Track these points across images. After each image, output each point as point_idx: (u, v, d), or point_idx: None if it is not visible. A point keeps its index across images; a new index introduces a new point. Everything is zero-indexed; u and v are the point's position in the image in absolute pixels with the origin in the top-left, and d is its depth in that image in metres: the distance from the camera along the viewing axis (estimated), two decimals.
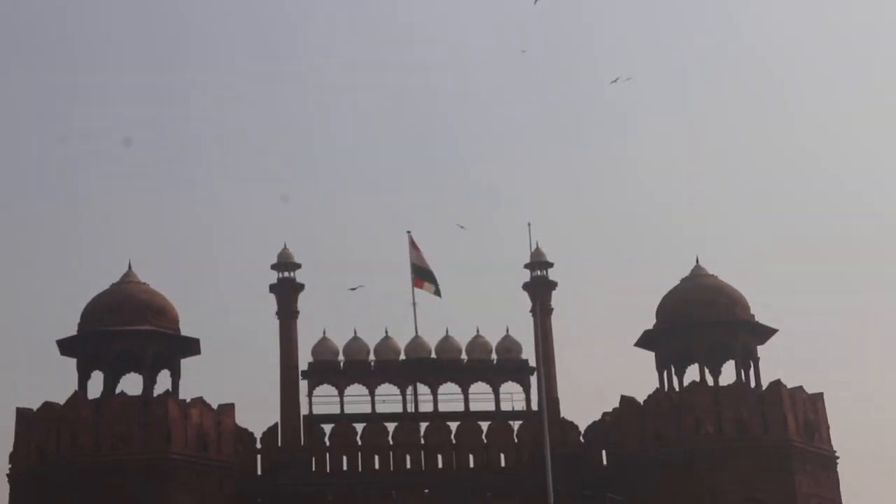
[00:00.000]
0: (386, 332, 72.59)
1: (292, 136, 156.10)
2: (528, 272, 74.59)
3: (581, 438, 71.19)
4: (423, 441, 69.53)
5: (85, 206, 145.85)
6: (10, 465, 65.01)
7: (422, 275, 69.98)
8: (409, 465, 68.33)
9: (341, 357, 70.71)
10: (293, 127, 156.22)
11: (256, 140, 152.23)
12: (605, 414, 72.52)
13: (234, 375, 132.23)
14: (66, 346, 67.24)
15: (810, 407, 68.30)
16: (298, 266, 72.64)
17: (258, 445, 68.58)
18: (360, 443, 68.95)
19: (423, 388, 70.88)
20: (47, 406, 64.77)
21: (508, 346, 72.10)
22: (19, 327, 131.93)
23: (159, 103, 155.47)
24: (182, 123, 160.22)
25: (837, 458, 69.34)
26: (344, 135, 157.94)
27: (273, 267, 72.53)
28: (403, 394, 70.62)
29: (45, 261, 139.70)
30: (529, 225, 69.30)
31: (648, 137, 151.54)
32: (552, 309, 73.93)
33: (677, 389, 70.69)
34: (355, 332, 72.03)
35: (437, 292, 71.37)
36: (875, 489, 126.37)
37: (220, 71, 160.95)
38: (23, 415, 65.60)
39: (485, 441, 69.58)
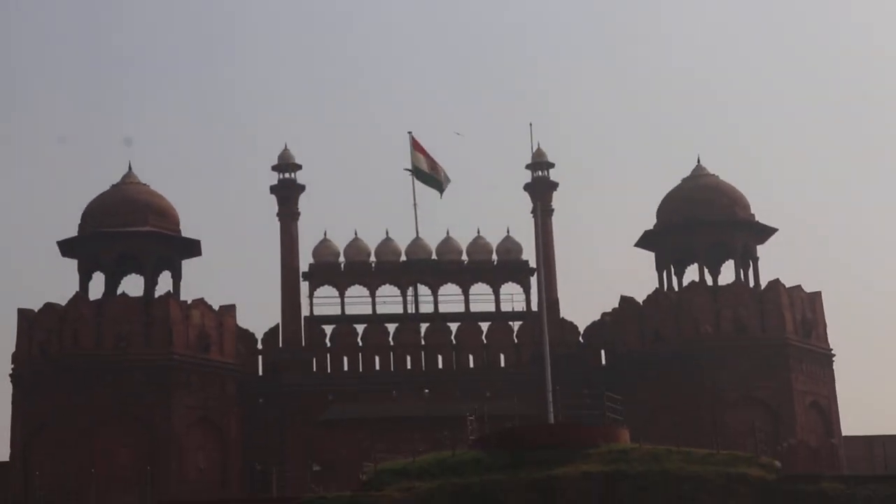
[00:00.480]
0: (387, 233, 72.61)
1: (292, 37, 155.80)
2: (529, 173, 74.50)
3: (580, 338, 72.07)
4: (423, 341, 70.03)
5: (86, 106, 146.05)
6: (12, 365, 65.38)
7: (423, 178, 69.85)
8: (409, 366, 68.91)
9: (342, 258, 71.26)
10: (292, 26, 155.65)
11: (257, 40, 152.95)
12: (604, 314, 73.22)
13: (235, 277, 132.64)
14: (66, 248, 67.57)
15: (808, 305, 69.25)
16: (299, 167, 72.60)
17: (259, 346, 69.14)
18: (360, 343, 69.52)
19: (423, 289, 71.46)
20: (49, 307, 65.13)
21: (509, 247, 72.46)
22: (20, 228, 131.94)
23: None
24: (183, 21, 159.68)
25: (834, 355, 70.15)
26: (345, 35, 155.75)
27: (274, 168, 72.45)
28: (404, 295, 71.14)
29: (46, 162, 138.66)
30: (531, 125, 67.16)
31: (649, 37, 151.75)
32: (553, 210, 74.20)
33: (676, 289, 71.37)
34: (356, 234, 72.21)
35: (440, 190, 70.97)
36: (871, 386, 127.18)
37: None
38: (25, 315, 65.95)
39: (485, 341, 70.09)
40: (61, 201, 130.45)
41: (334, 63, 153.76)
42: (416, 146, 69.87)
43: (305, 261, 71.28)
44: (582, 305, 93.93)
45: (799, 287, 68.74)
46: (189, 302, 65.40)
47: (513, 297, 71.45)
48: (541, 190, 73.04)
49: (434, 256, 71.92)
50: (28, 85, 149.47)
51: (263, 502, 44.87)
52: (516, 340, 69.39)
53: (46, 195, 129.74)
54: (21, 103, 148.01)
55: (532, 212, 70.79)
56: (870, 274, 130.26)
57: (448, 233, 73.09)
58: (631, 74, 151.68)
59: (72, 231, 66.80)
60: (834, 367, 69.83)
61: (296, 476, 57.21)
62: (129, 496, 52.24)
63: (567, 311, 72.35)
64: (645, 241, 73.12)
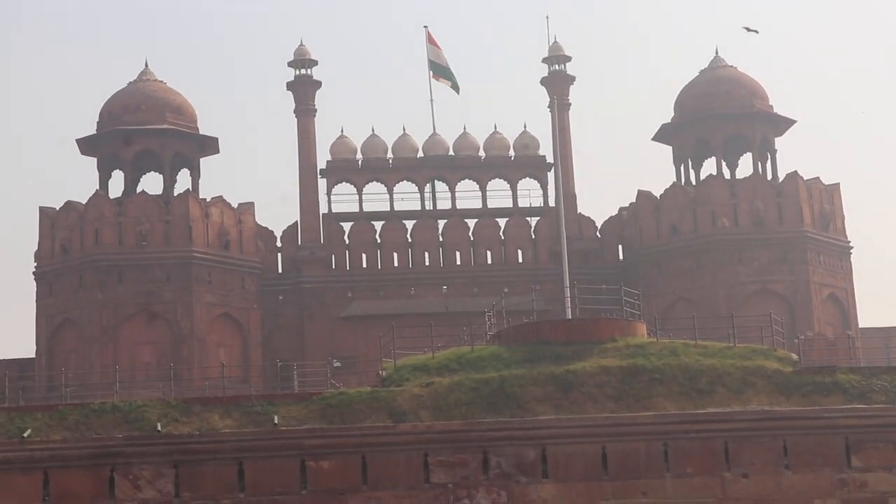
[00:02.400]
0: (404, 129, 73.18)
1: None
2: (546, 67, 75.01)
3: (598, 233, 73.13)
4: (441, 238, 71.27)
5: (103, 3, 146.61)
6: (35, 264, 66.43)
7: (439, 71, 70.22)
8: (427, 262, 69.86)
9: (359, 155, 72.16)
10: None
11: None
12: (621, 209, 74.18)
13: (253, 174, 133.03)
14: (86, 146, 68.39)
15: (826, 198, 70.03)
16: (315, 63, 73.06)
17: (279, 244, 70.36)
18: (379, 240, 70.53)
19: (441, 186, 72.47)
20: (70, 205, 66.35)
21: (526, 142, 73.21)
22: (40, 127, 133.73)
23: None
24: None
25: (852, 248, 71.29)
26: None
27: (290, 64, 72.90)
28: (421, 191, 72.27)
29: (65, 60, 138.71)
30: (547, 18, 70.12)
31: None
32: (570, 104, 74.50)
33: (694, 183, 72.17)
34: (373, 130, 72.92)
35: (455, 87, 71.31)
36: (888, 278, 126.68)
37: None
38: (46, 214, 66.93)
39: (502, 237, 71.17)
40: (80, 99, 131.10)
41: None
42: (431, 40, 70.58)
43: (323, 158, 71.71)
44: (599, 200, 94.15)
45: (817, 179, 69.54)
46: (208, 199, 66.20)
47: (530, 192, 72.33)
48: (558, 84, 73.15)
49: (451, 153, 72.76)
50: None
51: (284, 398, 45.25)
52: (534, 236, 70.58)
53: (65, 93, 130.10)
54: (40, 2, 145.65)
55: (549, 106, 70.19)
56: (889, 166, 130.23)
57: (465, 129, 73.88)
58: None
59: (91, 129, 67.20)
60: (852, 259, 70.68)
61: (316, 372, 57.67)
62: (152, 391, 51.66)
63: (584, 207, 73.08)
64: (662, 135, 73.87)
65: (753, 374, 42.03)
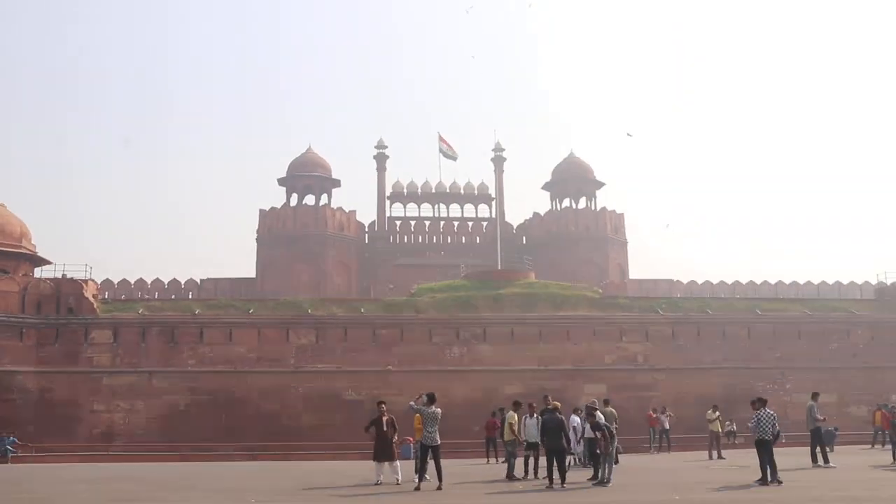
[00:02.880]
0: (426, 180, 67.90)
1: None
2: (493, 153, 68.50)
3: (513, 230, 67.99)
4: (442, 229, 66.84)
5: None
6: (256, 233, 63.85)
7: (445, 153, 60.97)
8: (435, 240, 66.01)
9: (405, 190, 67.20)
10: None
11: None
12: (525, 220, 69.12)
13: (356, 197, 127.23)
14: (282, 182, 64.76)
15: (616, 218, 66.09)
16: (386, 147, 67.99)
17: (366, 230, 66.17)
18: (412, 229, 66.30)
19: (443, 210, 67.51)
20: (273, 209, 63.65)
21: (482, 186, 67.83)
22: (259, 169, 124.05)
23: None
24: None
25: (627, 241, 66.81)
26: None
27: (375, 147, 68.13)
28: (435, 212, 67.05)
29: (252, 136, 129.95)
30: (495, 130, 66.94)
31: None
32: (504, 170, 68.47)
33: (559, 209, 68.01)
34: (412, 179, 68.08)
35: (453, 159, 61.41)
36: (643, 257, 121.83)
37: None
38: (263, 213, 63.52)
39: (471, 231, 66.49)
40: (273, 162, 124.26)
41: None
42: (442, 139, 61.49)
43: (388, 190, 67.90)
44: (518, 215, 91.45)
45: (613, 211, 66.62)
46: (334, 207, 63.26)
47: (485, 209, 67.33)
48: (498, 162, 68.29)
49: (448, 190, 67.10)
50: None
51: (368, 300, 45.96)
52: (485, 230, 65.45)
53: (260, 159, 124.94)
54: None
55: (494, 170, 67.68)
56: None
57: (454, 180, 68.28)
58: None
59: (282, 173, 65.62)
60: (627, 247, 67.49)
61: (384, 289, 58.07)
62: (307, 295, 50.09)
63: (510, 218, 67.18)
64: (547, 186, 69.23)
65: (582, 298, 43.35)
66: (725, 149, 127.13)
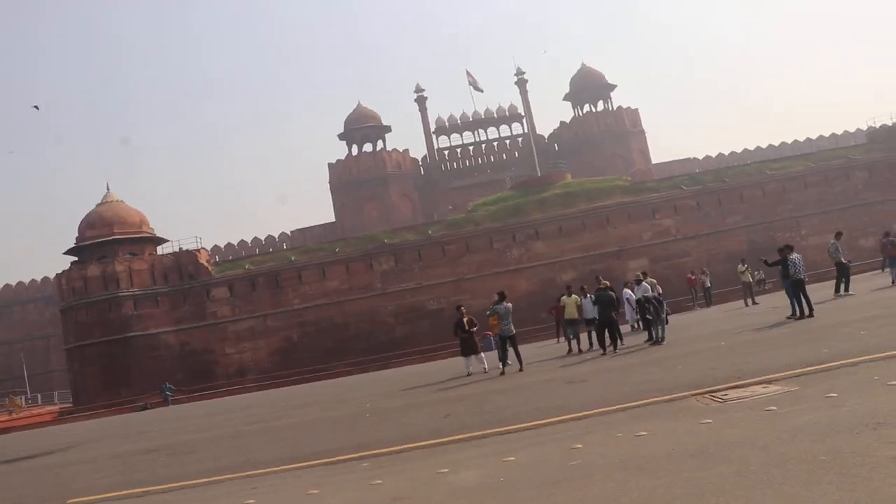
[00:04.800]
0: (463, 111, 66.38)
1: None
2: (515, 77, 66.91)
3: (545, 140, 66.61)
4: (483, 149, 65.89)
5: None
6: (329, 181, 63.77)
7: (473, 84, 60.82)
8: (480, 162, 65.02)
9: (447, 123, 66.01)
10: None
11: None
12: (554, 129, 68.17)
13: (408, 136, 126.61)
14: (344, 136, 64.43)
15: (633, 114, 64.66)
16: (424, 90, 66.68)
17: (420, 163, 65.34)
18: (459, 155, 65.46)
19: (482, 134, 66.24)
20: (340, 161, 63.38)
21: (512, 107, 66.32)
22: (323, 125, 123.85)
23: None
24: None
25: (646, 132, 65.05)
26: None
27: (415, 91, 66.99)
28: (476, 137, 65.85)
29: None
30: (514, 57, 64.79)
31: None
32: (528, 91, 67.19)
33: (581, 114, 66.40)
34: (451, 114, 67.09)
35: (479, 90, 61.04)
36: (664, 142, 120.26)
37: None
38: (332, 165, 63.29)
39: (508, 147, 65.35)
40: (334, 118, 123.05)
41: None
42: (470, 76, 61.09)
43: (432, 125, 66.56)
44: (547, 125, 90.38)
45: (629, 108, 64.88)
46: (389, 150, 63.16)
47: (519, 127, 66.48)
48: (522, 84, 67.00)
49: (483, 116, 66.29)
50: None
51: (433, 223, 46.00)
52: (520, 144, 64.21)
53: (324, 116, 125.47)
54: None
55: (520, 93, 66.77)
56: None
57: (487, 107, 66.92)
58: None
59: (339, 129, 64.89)
60: (646, 137, 65.83)
61: (443, 210, 58.21)
62: (379, 227, 50.46)
63: (540, 130, 66.44)
64: (569, 97, 67.63)
65: (615, 187, 42.79)
66: (719, 27, 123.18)
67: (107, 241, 41.57)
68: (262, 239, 60.24)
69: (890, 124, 44.59)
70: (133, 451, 12.61)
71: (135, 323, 38.95)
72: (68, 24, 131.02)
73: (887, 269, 24.74)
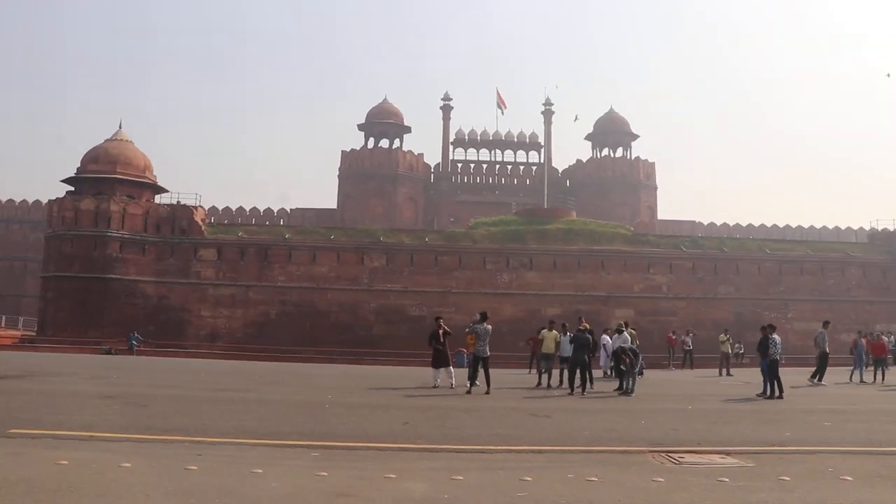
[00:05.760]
0: (485, 129, 66.46)
1: None
2: (543, 107, 66.94)
3: (559, 175, 66.64)
4: (497, 170, 65.56)
5: None
6: (337, 172, 63.74)
7: (500, 108, 61.12)
8: (491, 181, 64.81)
9: (466, 137, 65.84)
10: None
11: None
12: (570, 166, 67.59)
13: (425, 142, 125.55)
14: (363, 129, 63.82)
15: (648, 166, 64.63)
16: (451, 99, 67.28)
17: (432, 170, 65.13)
18: (472, 170, 65.16)
19: (497, 154, 65.99)
20: (352, 151, 63.33)
21: (533, 135, 66.57)
22: (339, 118, 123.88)
23: None
24: None
25: (657, 187, 64.93)
26: None
27: (442, 99, 67.14)
28: (492, 157, 65.73)
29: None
30: (545, 87, 65.05)
31: None
32: (553, 122, 67.03)
33: (599, 157, 66.49)
34: (472, 129, 66.67)
35: (502, 111, 61.99)
36: (671, 202, 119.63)
37: None
38: (344, 153, 62.71)
39: (521, 174, 65.10)
40: (350, 112, 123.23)
41: None
42: (499, 97, 61.54)
43: (452, 136, 66.14)
44: (563, 161, 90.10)
45: (646, 160, 64.85)
46: (405, 150, 62.58)
47: (535, 156, 66.52)
48: (548, 114, 66.91)
49: (503, 138, 66.05)
50: None
51: (431, 231, 46.09)
52: (533, 173, 63.96)
53: (336, 107, 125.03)
54: None
55: (544, 122, 67.30)
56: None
57: (510, 130, 67.39)
58: None
59: (359, 120, 64.53)
60: (657, 192, 66.04)
61: (446, 221, 58.18)
62: (377, 224, 51.31)
63: (557, 163, 65.97)
64: (590, 137, 67.60)
65: (616, 234, 42.84)
66: (747, 101, 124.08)
67: (107, 177, 41.35)
68: (261, 210, 60.14)
69: (892, 229, 45.08)
70: (89, 393, 12.56)
71: (117, 266, 38.76)
72: None
73: (866, 368, 24.90)
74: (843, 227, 60.76)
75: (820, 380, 19.00)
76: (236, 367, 23.99)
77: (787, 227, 61.35)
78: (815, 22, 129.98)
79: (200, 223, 40.52)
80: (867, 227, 51.26)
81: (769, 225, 61.51)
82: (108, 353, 32.02)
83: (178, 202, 41.46)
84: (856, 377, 21.18)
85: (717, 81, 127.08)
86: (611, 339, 19.50)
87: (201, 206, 42.45)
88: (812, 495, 5.84)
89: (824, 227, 61.01)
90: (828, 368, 19.65)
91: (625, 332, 17.08)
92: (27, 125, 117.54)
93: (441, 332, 16.28)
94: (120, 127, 44.54)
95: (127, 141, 43.76)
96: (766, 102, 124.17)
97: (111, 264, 38.73)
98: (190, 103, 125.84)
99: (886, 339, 24.42)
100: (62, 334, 37.22)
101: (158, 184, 43.70)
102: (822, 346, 19.29)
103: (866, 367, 27.17)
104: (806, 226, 61.46)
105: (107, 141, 43.53)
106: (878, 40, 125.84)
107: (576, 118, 67.45)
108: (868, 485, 6.35)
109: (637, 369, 16.58)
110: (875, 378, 20.91)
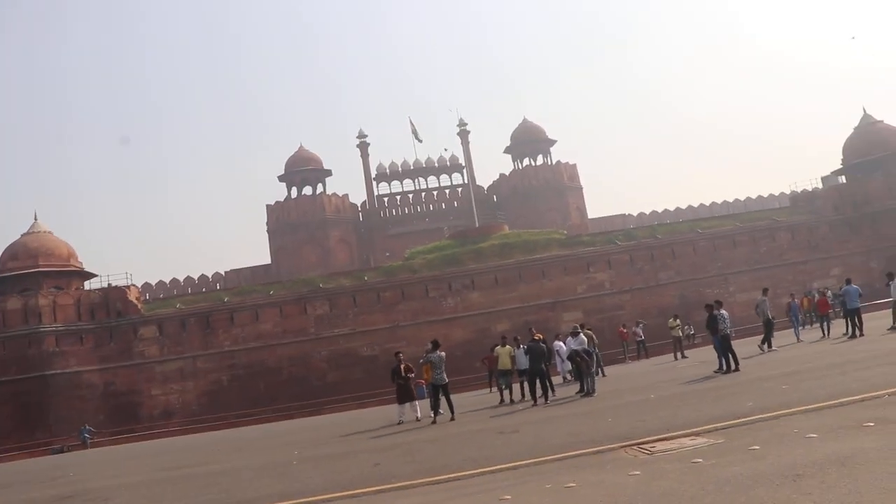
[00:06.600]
0: (404, 159, 66.99)
1: None
2: (457, 128, 67.31)
3: (485, 191, 67.10)
4: (423, 199, 65.69)
5: None
6: (266, 225, 62.93)
7: (414, 133, 61.84)
8: (419, 209, 64.77)
9: (387, 169, 65.87)
10: None
11: None
12: (493, 181, 68.70)
13: (347, 182, 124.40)
14: (284, 178, 63.63)
15: (571, 169, 65.20)
16: (367, 136, 67.33)
17: (359, 208, 64.77)
18: (399, 203, 65.33)
19: (422, 182, 66.05)
20: (278, 203, 62.55)
21: (452, 157, 66.97)
22: (270, 167, 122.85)
23: None
24: None
25: (582, 187, 65.48)
26: None
27: (357, 136, 67.59)
28: (416, 185, 65.70)
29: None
30: (456, 109, 65.66)
31: None
32: (469, 142, 67.73)
33: (521, 167, 66.89)
34: (392, 161, 66.89)
35: (418, 139, 62.94)
36: (597, 199, 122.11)
37: None
38: (270, 207, 62.39)
39: (447, 196, 65.38)
40: (275, 163, 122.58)
41: None
42: (412, 125, 63.03)
43: (373, 170, 65.89)
44: (486, 177, 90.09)
45: (567, 163, 65.54)
46: (329, 194, 62.14)
47: (459, 177, 66.75)
48: (464, 135, 67.50)
49: (423, 165, 65.75)
50: None
51: (368, 270, 45.86)
52: (460, 194, 63.84)
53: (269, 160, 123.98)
54: None
55: (461, 143, 67.70)
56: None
57: (428, 156, 67.32)
58: None
59: (279, 171, 64.09)
60: (583, 193, 66.77)
61: (380, 257, 57.89)
62: (315, 272, 51.40)
63: (480, 181, 66.55)
64: (509, 149, 67.63)
65: (551, 240, 43.29)
66: (654, 92, 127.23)
67: (30, 272, 40.12)
68: (196, 278, 58.84)
69: (811, 189, 46.81)
70: (43, 498, 12.00)
71: (56, 360, 37.41)
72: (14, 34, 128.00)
73: (812, 325, 25.58)
74: (766, 196, 62.56)
75: (770, 346, 19.45)
76: (195, 441, 23.35)
77: (714, 203, 62.74)
78: (704, 6, 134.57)
79: (136, 302, 39.50)
80: (787, 192, 53.17)
81: (696, 205, 62.82)
82: (61, 451, 30.78)
83: (110, 285, 40.40)
84: (798, 336, 21.81)
85: (621, 77, 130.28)
86: (565, 343, 19.61)
87: (134, 285, 41.44)
88: (783, 459, 5.94)
89: (749, 199, 62.60)
90: (775, 333, 20.14)
91: (580, 335, 17.18)
92: None
93: (402, 367, 16.25)
94: (35, 218, 43.36)
95: (46, 232, 42.56)
96: (671, 90, 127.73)
97: (49, 360, 37.36)
98: (106, 180, 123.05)
99: (828, 295, 25.16)
100: (7, 442, 35.57)
101: (86, 269, 42.52)
102: (766, 314, 19.79)
103: (807, 325, 28.06)
104: (731, 200, 63.00)
105: (24, 235, 42.26)
106: (762, 16, 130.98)
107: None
108: (833, 438, 6.50)
109: (594, 369, 16.71)
110: (824, 334, 21.54)
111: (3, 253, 41.41)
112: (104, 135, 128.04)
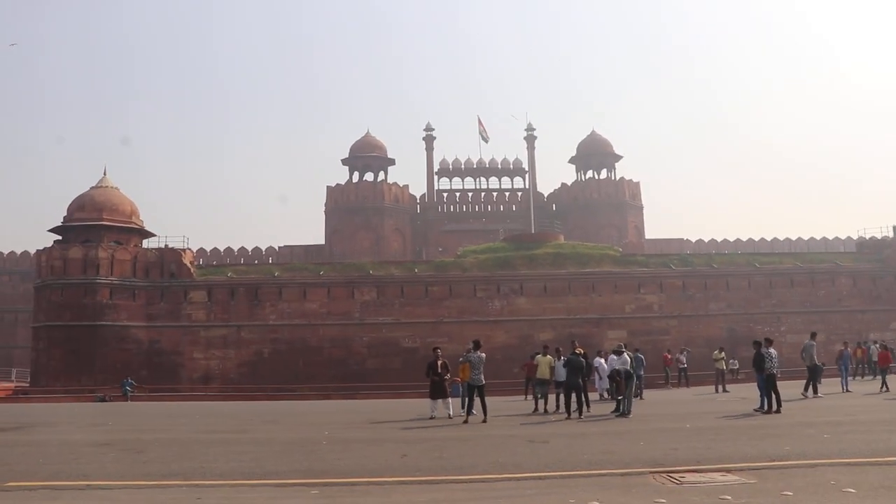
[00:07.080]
0: (468, 157, 66.79)
1: None
2: (525, 132, 67.35)
3: (545, 199, 66.80)
4: (482, 198, 65.69)
5: None
6: (324, 206, 63.60)
7: (482, 135, 61.64)
8: (477, 209, 64.79)
9: (450, 166, 66.13)
10: None
11: None
12: (555, 189, 68.45)
13: (409, 173, 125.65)
14: (346, 163, 64.08)
15: (634, 186, 64.67)
16: (434, 129, 67.70)
17: (418, 200, 64.95)
18: (458, 199, 65.39)
19: (482, 182, 66.18)
20: (339, 185, 63.50)
21: (517, 161, 67.27)
22: (329, 152, 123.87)
23: None
24: None
25: (643, 206, 64.54)
26: None
27: (424, 129, 67.29)
28: (477, 185, 65.70)
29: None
30: (526, 113, 65.58)
31: None
32: (535, 147, 67.53)
33: (583, 179, 66.49)
34: (456, 157, 67.01)
35: (485, 140, 62.06)
36: (658, 220, 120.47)
37: None
38: (330, 188, 62.92)
39: (507, 200, 65.17)
40: (336, 150, 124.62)
41: None
42: (480, 124, 61.84)
43: (436, 166, 66.10)
44: (549, 184, 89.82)
45: (630, 180, 64.78)
46: (390, 182, 62.55)
47: (521, 181, 67.22)
48: (531, 140, 66.83)
49: (487, 165, 66.04)
50: None
51: (420, 262, 46.05)
52: (519, 199, 63.84)
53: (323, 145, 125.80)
54: None
55: (527, 147, 67.29)
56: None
57: (493, 156, 66.88)
58: None
59: (343, 154, 64.77)
60: (643, 212, 65.65)
61: (434, 251, 58.07)
62: (368, 257, 51.39)
63: (542, 188, 66.09)
64: (573, 160, 67.68)
65: (605, 256, 42.88)
66: (728, 117, 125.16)
67: (94, 225, 41.27)
68: (250, 249, 59.92)
69: (879, 237, 45.39)
70: (84, 441, 12.40)
71: (108, 312, 38.53)
72: (75, 13, 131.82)
73: (863, 377, 24.90)
74: (830, 238, 61.09)
75: (815, 392, 19.01)
76: (231, 408, 23.79)
77: (776, 239, 61.62)
78: (791, 35, 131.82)
79: (189, 266, 40.38)
80: (855, 237, 51.78)
81: (757, 239, 61.76)
82: (103, 400, 31.67)
83: (167, 246, 41.36)
84: (844, 387, 21.24)
85: (695, 98, 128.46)
86: (605, 361, 19.47)
87: (190, 249, 42.34)
88: None
89: (812, 239, 61.26)
90: (823, 380, 19.66)
91: (624, 354, 17.03)
92: (11, 175, 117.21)
93: (439, 363, 16.29)
94: (105, 174, 44.57)
95: (112, 187, 43.73)
96: (745, 117, 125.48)
97: (102, 311, 38.50)
98: (174, 146, 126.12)
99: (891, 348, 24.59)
100: (56, 384, 36.85)
101: (146, 228, 43.58)
102: (812, 358, 19.34)
103: (857, 376, 27.32)
104: (794, 238, 61.71)
105: (92, 188, 43.49)
106: (853, 49, 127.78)
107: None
108: (871, 496, 6.31)
109: (633, 390, 16.55)
110: (882, 388, 20.95)
111: (72, 203, 42.70)
112: (175, 98, 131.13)
